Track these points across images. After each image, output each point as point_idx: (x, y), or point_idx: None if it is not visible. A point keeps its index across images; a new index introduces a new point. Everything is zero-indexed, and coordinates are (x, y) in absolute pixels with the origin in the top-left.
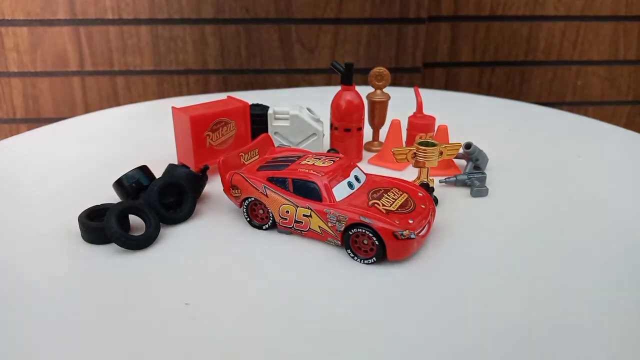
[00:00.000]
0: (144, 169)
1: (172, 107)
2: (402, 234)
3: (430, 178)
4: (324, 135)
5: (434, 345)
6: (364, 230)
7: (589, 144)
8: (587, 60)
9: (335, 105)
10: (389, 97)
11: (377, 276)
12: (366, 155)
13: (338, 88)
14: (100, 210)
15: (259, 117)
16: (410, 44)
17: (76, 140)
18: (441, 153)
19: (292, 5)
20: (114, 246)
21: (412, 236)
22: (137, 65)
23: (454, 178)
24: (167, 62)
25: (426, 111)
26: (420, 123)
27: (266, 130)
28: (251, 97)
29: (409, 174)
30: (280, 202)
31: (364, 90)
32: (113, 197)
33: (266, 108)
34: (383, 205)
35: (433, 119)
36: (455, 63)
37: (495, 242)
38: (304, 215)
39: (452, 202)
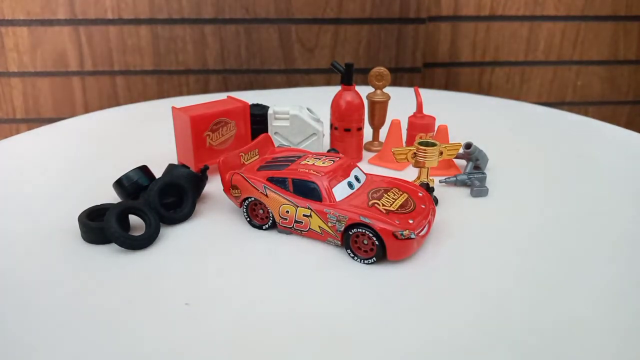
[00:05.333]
0: (144, 169)
1: (172, 107)
2: (402, 234)
3: (430, 178)
4: (324, 135)
5: (434, 345)
6: (364, 230)
7: (589, 144)
8: (587, 60)
9: (335, 105)
10: (389, 97)
11: (377, 276)
12: (366, 155)
13: (338, 88)
14: (100, 210)
15: (259, 117)
16: (410, 44)
17: (76, 140)
18: (441, 153)
19: (292, 5)
20: (114, 246)
21: (412, 236)
22: (137, 65)
23: (454, 178)
24: (167, 62)
25: (426, 111)
26: (420, 123)
27: (266, 130)
28: (251, 97)
29: (409, 174)
30: (280, 202)
31: (364, 90)
32: (113, 197)
33: (266, 108)
34: (383, 205)
35: (433, 119)
36: (455, 63)
37: (495, 242)
38: (304, 215)
39: (452, 202)
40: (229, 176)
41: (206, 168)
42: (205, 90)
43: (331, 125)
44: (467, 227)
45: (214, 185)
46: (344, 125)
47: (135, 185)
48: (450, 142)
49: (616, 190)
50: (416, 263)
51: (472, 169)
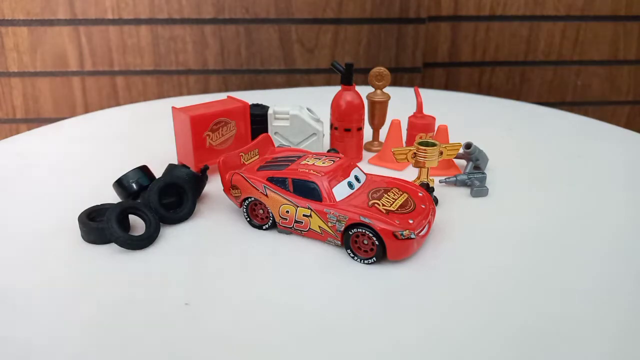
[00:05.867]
0: (144, 169)
1: (172, 107)
2: (402, 234)
3: (430, 178)
4: (324, 135)
5: (434, 345)
6: (364, 230)
7: (589, 144)
8: (587, 60)
9: (335, 105)
10: (389, 97)
11: (377, 276)
12: (366, 155)
13: (338, 88)
14: (100, 210)
15: (259, 117)
16: (410, 44)
17: (76, 140)
18: (441, 153)
19: (292, 5)
20: (114, 246)
21: (412, 236)
22: (137, 65)
23: (454, 178)
24: (167, 62)
25: (426, 111)
26: (420, 123)
27: (266, 130)
28: (251, 97)
29: (409, 174)
30: (280, 202)
31: (364, 90)
32: (113, 197)
33: (266, 108)
34: (383, 205)
35: (433, 119)
36: (455, 63)
37: (495, 242)
38: (304, 215)
39: (452, 202)
40: (229, 176)
41: (206, 168)
42: (205, 90)
43: (331, 125)
44: (467, 227)
45: (214, 185)
46: (344, 125)
47: (135, 185)
48: (450, 142)
49: (616, 190)
50: (416, 263)
51: (472, 169)
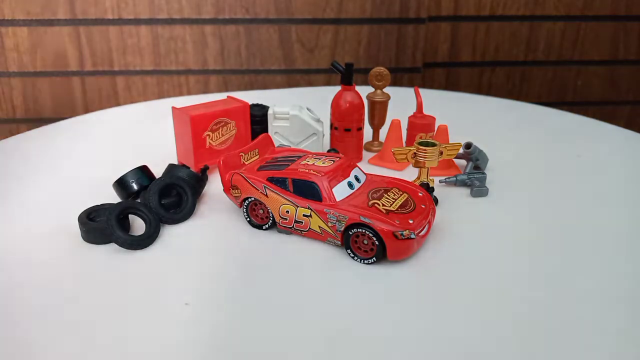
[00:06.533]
0: (144, 169)
1: (172, 107)
2: (402, 234)
3: (430, 178)
4: (324, 135)
5: (434, 345)
6: (364, 230)
7: (589, 144)
8: (587, 60)
9: (335, 105)
10: (389, 97)
11: (377, 276)
12: (366, 155)
13: (338, 88)
14: (100, 210)
15: (259, 117)
16: (410, 44)
17: (76, 140)
18: (441, 153)
19: (292, 5)
20: (114, 246)
21: (412, 236)
22: (137, 65)
23: (454, 178)
24: (167, 62)
25: (426, 111)
26: (420, 123)
27: (266, 130)
28: (251, 97)
29: (409, 174)
30: (280, 202)
31: (364, 90)
32: (113, 197)
33: (266, 108)
34: (383, 205)
35: (433, 119)
36: (455, 63)
37: (495, 242)
38: (304, 215)
39: (452, 202)
40: (229, 176)
41: (206, 168)
42: (205, 90)
43: (331, 125)
44: (467, 227)
45: (214, 185)
46: (344, 125)
47: (136, 185)
48: (450, 142)
49: (616, 191)
50: (416, 263)
51: (472, 169)
